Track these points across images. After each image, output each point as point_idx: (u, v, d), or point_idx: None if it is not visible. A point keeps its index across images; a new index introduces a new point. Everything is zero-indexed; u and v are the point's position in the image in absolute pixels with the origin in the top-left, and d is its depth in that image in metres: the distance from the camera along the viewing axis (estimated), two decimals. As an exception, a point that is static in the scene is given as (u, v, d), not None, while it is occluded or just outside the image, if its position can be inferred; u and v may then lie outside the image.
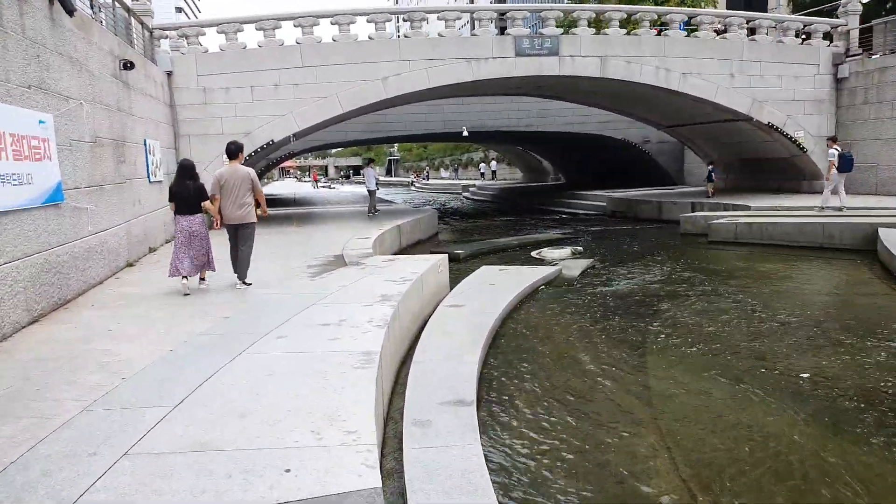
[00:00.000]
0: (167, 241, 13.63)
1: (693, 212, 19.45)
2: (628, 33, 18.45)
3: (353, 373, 4.71)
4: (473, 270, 11.96)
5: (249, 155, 16.38)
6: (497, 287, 9.85)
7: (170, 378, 4.68)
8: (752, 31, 19.53)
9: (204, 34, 16.37)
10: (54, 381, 4.73)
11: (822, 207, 15.47)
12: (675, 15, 18.62)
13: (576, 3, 23.86)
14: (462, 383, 5.59)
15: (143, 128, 12.49)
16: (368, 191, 20.09)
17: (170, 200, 8.05)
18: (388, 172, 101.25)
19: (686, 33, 18.74)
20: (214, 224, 8.25)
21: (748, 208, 17.11)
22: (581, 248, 14.63)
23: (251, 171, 8.26)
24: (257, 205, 8.36)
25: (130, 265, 10.44)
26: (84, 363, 5.17)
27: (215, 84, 16.14)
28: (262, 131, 16.35)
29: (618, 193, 24.32)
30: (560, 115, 27.52)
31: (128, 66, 11.09)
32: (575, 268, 12.00)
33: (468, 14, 18.11)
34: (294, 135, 16.90)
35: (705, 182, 22.15)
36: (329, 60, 16.49)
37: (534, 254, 14.50)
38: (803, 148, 19.46)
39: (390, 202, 29.94)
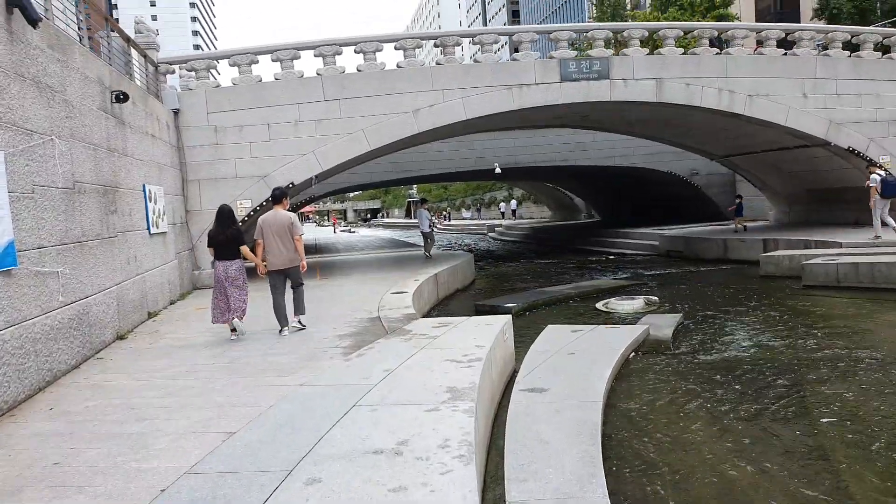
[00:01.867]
0: (172, 303, 11.69)
1: (766, 250, 17.21)
2: (685, 52, 16.54)
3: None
4: (530, 328, 9.89)
5: (266, 200, 14.54)
6: (578, 358, 7.66)
7: None
8: (823, 48, 17.55)
9: (215, 67, 14.73)
10: None
11: (877, 237, 14.68)
12: (738, 31, 16.69)
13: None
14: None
15: (142, 171, 10.66)
16: (423, 233, 18.48)
17: (209, 246, 8.13)
18: (408, 214, 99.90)
19: (751, 50, 16.78)
20: (259, 271, 8.25)
21: (839, 245, 14.82)
22: (656, 298, 12.43)
23: (293, 217, 8.23)
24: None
25: (121, 338, 8.45)
26: (-16, 553, 3.08)
27: (228, 122, 14.40)
28: (280, 173, 14.51)
29: (672, 231, 22.09)
30: (599, 149, 25.55)
31: (121, 98, 9.29)
32: (664, 326, 9.78)
33: (504, 38, 16.28)
34: (316, 176, 15.05)
35: (733, 217, 20.53)
36: (354, 92, 14.71)
37: (600, 306, 12.32)
38: (890, 174, 17.18)
39: (416, 246, 27.96)
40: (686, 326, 10.25)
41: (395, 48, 15.21)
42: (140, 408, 5.33)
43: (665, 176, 25.87)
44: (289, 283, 8.31)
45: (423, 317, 11.63)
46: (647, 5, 27.91)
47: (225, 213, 8.08)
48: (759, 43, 17.09)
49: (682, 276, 16.25)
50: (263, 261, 8.10)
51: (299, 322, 8.31)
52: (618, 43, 17.17)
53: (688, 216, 26.42)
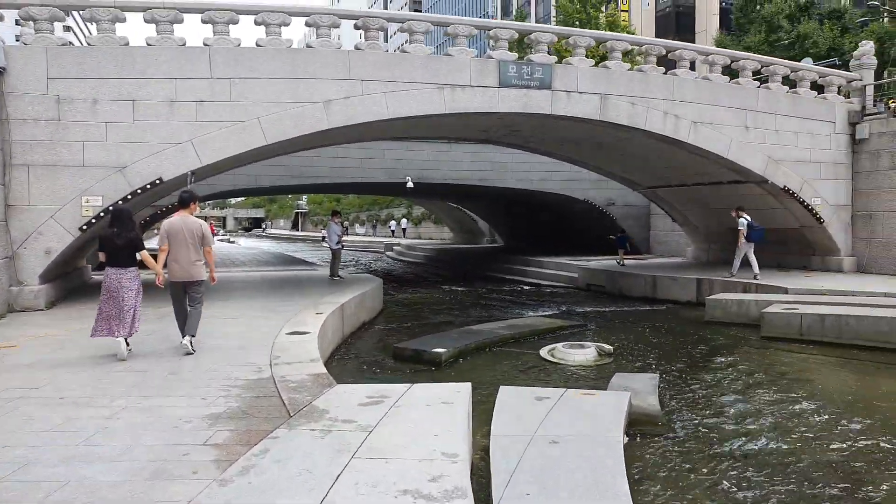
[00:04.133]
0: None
1: (700, 290, 15.91)
2: (631, 69, 14.95)
3: None
4: (466, 381, 7.50)
5: (124, 199, 11.23)
6: (567, 451, 5.32)
7: None
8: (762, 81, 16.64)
9: (63, 20, 11.27)
10: None
11: (733, 274, 15.56)
12: (686, 52, 15.36)
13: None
14: None
15: (-78, 142, 7.22)
16: (332, 250, 16.15)
17: (99, 250, 7.30)
18: (295, 226, 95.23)
19: (697, 75, 15.50)
20: (157, 281, 7.39)
21: (784, 290, 13.61)
22: (609, 347, 10.38)
23: (204, 225, 7.65)
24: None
25: None
26: None
27: (77, 93, 10.99)
28: (145, 165, 11.27)
29: (592, 263, 20.56)
30: (518, 170, 23.75)
31: None
32: (644, 391, 7.64)
33: (436, 27, 13.89)
34: (193, 173, 11.90)
35: (619, 251, 20.50)
36: (250, 72, 11.77)
37: (545, 354, 10.11)
38: (820, 219, 16.48)
39: (310, 264, 24.91)
40: (662, 390, 8.21)
41: (307, 24, 12.45)
42: None
43: (581, 204, 24.51)
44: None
45: (326, 361, 9.00)
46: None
47: (124, 214, 7.39)
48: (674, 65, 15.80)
49: (618, 317, 14.47)
50: (164, 269, 7.37)
51: (190, 344, 7.27)
52: (560, 50, 15.31)
53: (600, 247, 25.19)
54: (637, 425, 6.79)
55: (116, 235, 7.08)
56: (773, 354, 10.33)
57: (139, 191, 11.20)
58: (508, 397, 7.01)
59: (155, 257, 7.35)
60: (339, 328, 11.06)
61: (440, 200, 35.95)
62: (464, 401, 5.28)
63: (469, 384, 5.87)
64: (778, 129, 16.04)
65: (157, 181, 11.30)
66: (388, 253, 41.11)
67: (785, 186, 16.08)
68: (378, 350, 10.80)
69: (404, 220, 56.22)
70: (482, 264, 26.56)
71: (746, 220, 15.25)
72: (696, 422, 6.99)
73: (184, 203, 7.60)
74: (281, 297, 12.39)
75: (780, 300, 12.69)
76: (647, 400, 7.44)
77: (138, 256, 7.21)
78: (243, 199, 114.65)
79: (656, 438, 6.42)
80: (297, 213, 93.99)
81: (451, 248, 35.10)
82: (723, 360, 9.97)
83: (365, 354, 10.47)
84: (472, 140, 21.05)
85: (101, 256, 7.15)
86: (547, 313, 14.84)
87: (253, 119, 11.77)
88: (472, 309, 15.96)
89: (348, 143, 19.02)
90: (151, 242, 18.08)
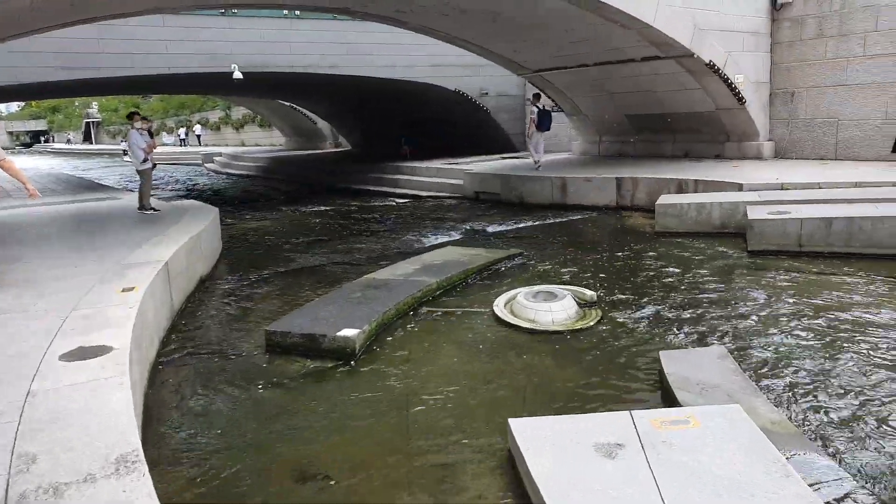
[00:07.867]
0: None
1: (621, 191, 13.32)
2: None
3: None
4: (409, 389, 4.18)
5: None
6: None
7: None
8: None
9: None
10: None
11: (537, 162, 15.88)
12: None
13: None
14: None
15: None
16: (137, 171, 11.31)
17: None
18: (87, 139, 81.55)
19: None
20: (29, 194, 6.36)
21: (738, 186, 11.26)
22: (591, 292, 7.14)
23: None
24: None
25: None
26: None
27: None
28: None
29: (481, 166, 17.22)
30: (378, 54, 19.03)
31: None
32: (738, 391, 4.53)
33: None
34: None
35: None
36: None
37: (502, 312, 6.70)
38: (742, 98, 14.32)
39: (109, 189, 19.15)
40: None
41: None
42: None
43: (450, 95, 20.71)
44: None
45: (151, 373, 5.13)
46: None
47: None
48: None
49: (542, 235, 11.35)
50: None
51: None
52: None
53: (468, 147, 21.89)
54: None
55: None
56: (810, 280, 7.71)
57: None
58: (545, 455, 3.60)
59: None
60: (167, 302, 6.78)
61: (272, 98, 30.12)
62: None
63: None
64: (705, -10, 13.28)
65: None
66: (207, 165, 34.79)
67: (710, 62, 13.56)
68: (237, 336, 6.63)
69: (198, 127, 49.93)
70: (335, 174, 22.21)
71: (538, 107, 15.31)
72: (856, 443, 3.99)
73: None
74: (62, 256, 7.62)
75: (745, 200, 10.22)
76: (761, 414, 4.32)
77: None
78: (20, 108, 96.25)
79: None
80: (87, 123, 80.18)
81: (288, 156, 29.87)
82: (756, 297, 7.05)
83: (215, 348, 6.28)
84: (323, 10, 16.14)
85: None
86: (454, 238, 11.34)
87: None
88: (347, 239, 12.03)
89: (143, 13, 13.39)
90: None
